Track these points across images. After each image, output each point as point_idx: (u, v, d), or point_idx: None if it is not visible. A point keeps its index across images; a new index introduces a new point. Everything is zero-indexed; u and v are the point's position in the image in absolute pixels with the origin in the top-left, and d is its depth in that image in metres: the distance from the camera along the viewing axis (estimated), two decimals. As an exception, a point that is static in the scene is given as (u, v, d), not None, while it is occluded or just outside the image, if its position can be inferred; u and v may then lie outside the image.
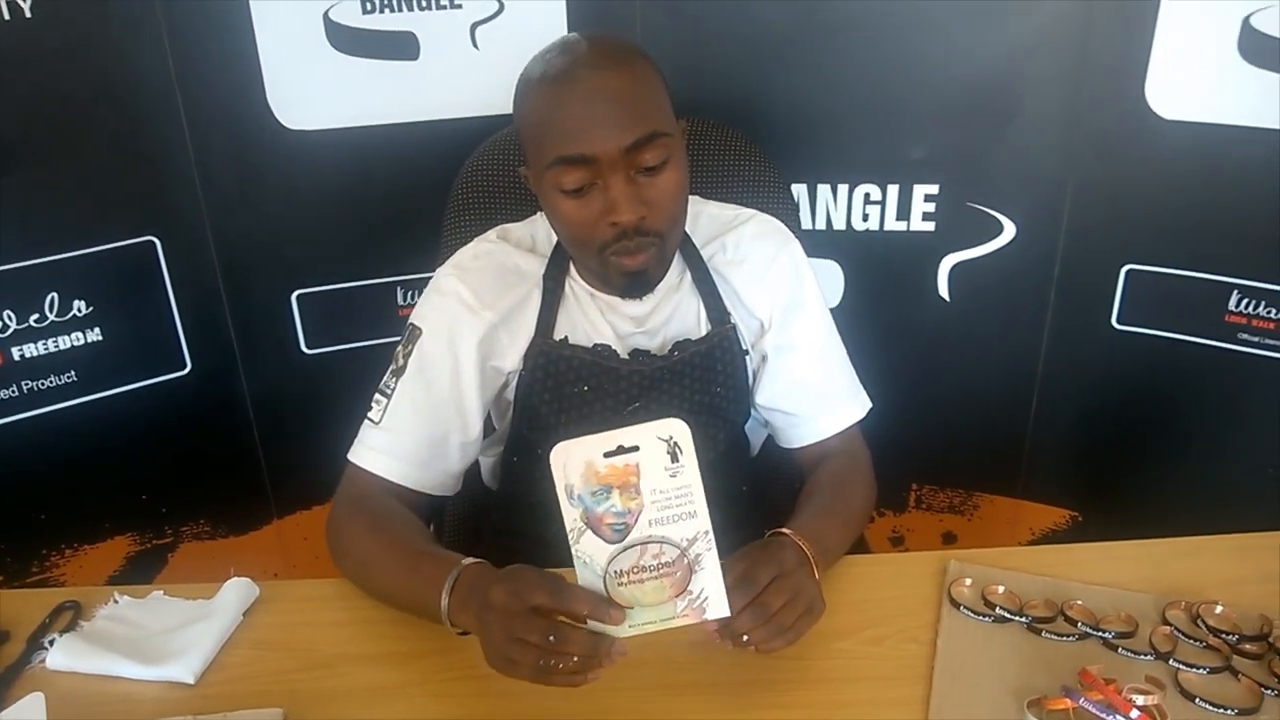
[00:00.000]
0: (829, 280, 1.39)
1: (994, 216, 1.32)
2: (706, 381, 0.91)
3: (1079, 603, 0.78)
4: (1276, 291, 1.23)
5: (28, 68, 1.15)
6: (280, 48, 1.22)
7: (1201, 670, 0.72)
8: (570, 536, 0.65)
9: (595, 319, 0.89)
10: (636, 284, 0.85)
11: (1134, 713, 0.63)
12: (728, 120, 1.08)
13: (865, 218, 1.35)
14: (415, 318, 0.88)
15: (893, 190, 1.33)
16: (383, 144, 1.29)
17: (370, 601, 0.81)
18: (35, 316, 1.26)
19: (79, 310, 1.28)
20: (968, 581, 0.81)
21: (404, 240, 1.34)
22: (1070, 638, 0.75)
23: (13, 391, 1.27)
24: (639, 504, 0.64)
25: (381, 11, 1.23)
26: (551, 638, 0.62)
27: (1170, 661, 0.73)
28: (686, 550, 0.64)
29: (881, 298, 1.39)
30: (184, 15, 1.19)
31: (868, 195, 1.33)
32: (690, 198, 0.87)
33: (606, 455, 0.64)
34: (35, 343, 1.27)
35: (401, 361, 0.87)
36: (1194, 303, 1.27)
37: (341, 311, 1.39)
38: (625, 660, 0.64)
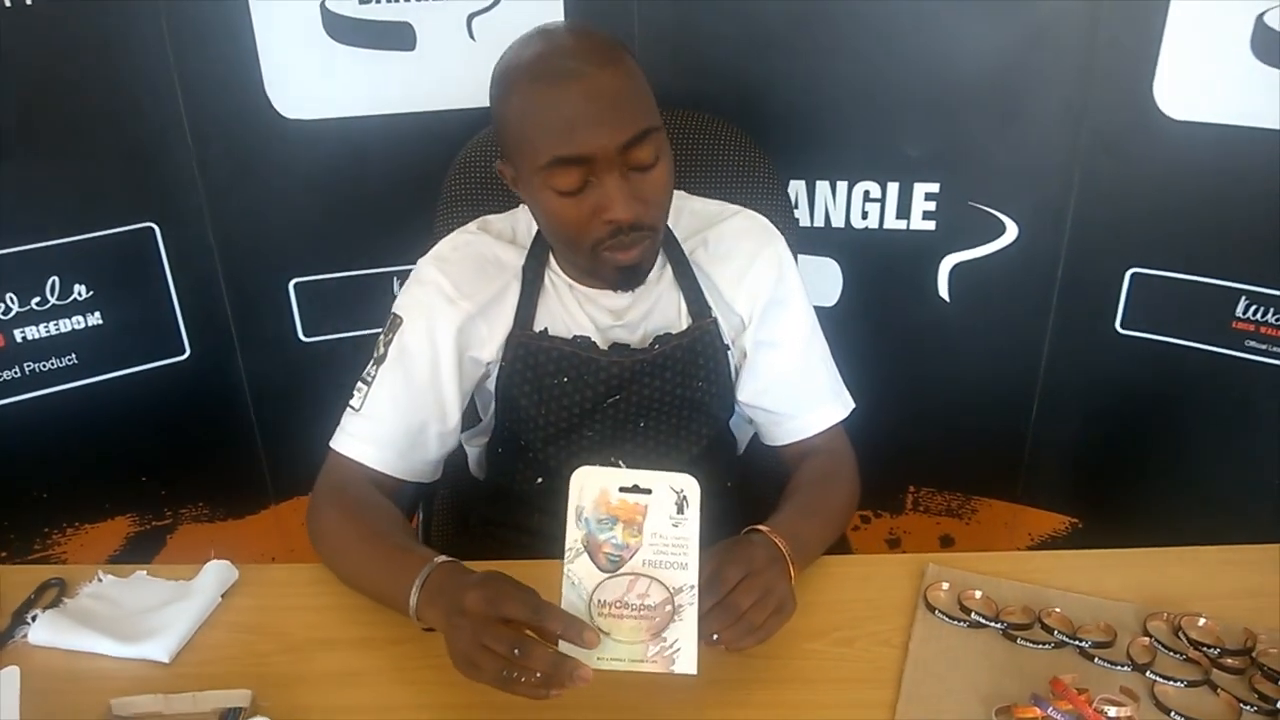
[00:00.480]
0: (827, 279, 1.37)
1: (996, 216, 1.30)
2: (688, 376, 0.90)
3: (1057, 610, 0.77)
4: (1285, 298, 1.20)
5: (29, 55, 1.16)
6: (278, 37, 1.23)
7: (1179, 683, 0.70)
8: (566, 555, 0.66)
9: (575, 311, 0.89)
10: (630, 277, 0.84)
11: (1103, 724, 0.62)
12: (725, 115, 1.07)
13: (864, 216, 1.33)
14: (397, 307, 0.89)
15: (893, 188, 1.31)
16: (380, 133, 1.29)
17: (347, 588, 0.81)
18: (36, 300, 1.28)
19: (79, 294, 1.30)
20: (945, 585, 0.80)
21: (400, 230, 1.32)
22: (1046, 645, 0.74)
23: (15, 373, 1.30)
24: (638, 542, 0.67)
25: (378, 2, 1.24)
26: (516, 651, 0.62)
27: (1148, 673, 0.71)
28: (672, 597, 0.66)
29: (880, 297, 1.38)
30: (183, 4, 1.20)
31: (867, 193, 1.32)
32: (675, 192, 0.86)
33: (621, 490, 0.67)
34: (36, 325, 1.29)
35: (383, 350, 0.87)
36: (1200, 308, 1.24)
37: (338, 300, 1.40)
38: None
